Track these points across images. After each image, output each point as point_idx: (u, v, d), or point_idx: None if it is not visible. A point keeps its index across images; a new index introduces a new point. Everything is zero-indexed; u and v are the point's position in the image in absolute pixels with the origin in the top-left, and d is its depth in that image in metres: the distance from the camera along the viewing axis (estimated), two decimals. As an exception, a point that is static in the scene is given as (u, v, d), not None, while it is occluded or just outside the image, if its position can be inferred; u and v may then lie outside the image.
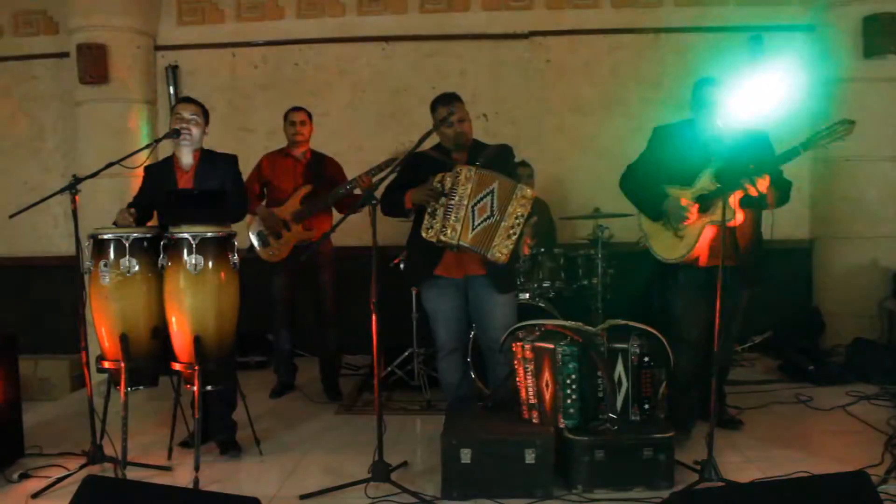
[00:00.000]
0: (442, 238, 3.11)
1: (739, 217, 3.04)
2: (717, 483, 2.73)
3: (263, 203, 4.26)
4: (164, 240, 2.98)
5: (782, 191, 3.13)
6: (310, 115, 4.31)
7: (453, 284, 3.30)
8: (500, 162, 3.29)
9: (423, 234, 3.16)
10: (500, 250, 3.09)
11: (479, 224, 3.10)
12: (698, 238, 3.10)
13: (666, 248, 3.24)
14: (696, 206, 3.11)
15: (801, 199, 5.17)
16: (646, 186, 3.26)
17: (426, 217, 3.17)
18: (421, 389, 4.24)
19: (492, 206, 3.10)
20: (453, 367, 3.40)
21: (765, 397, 3.96)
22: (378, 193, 2.94)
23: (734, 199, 2.97)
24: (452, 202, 3.11)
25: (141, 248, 3.02)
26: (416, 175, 3.23)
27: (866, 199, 4.88)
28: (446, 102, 3.26)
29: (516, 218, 3.09)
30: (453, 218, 3.10)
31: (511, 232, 3.09)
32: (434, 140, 3.28)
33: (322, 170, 4.28)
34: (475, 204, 3.11)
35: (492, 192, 3.11)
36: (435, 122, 3.25)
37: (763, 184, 2.91)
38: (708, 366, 3.00)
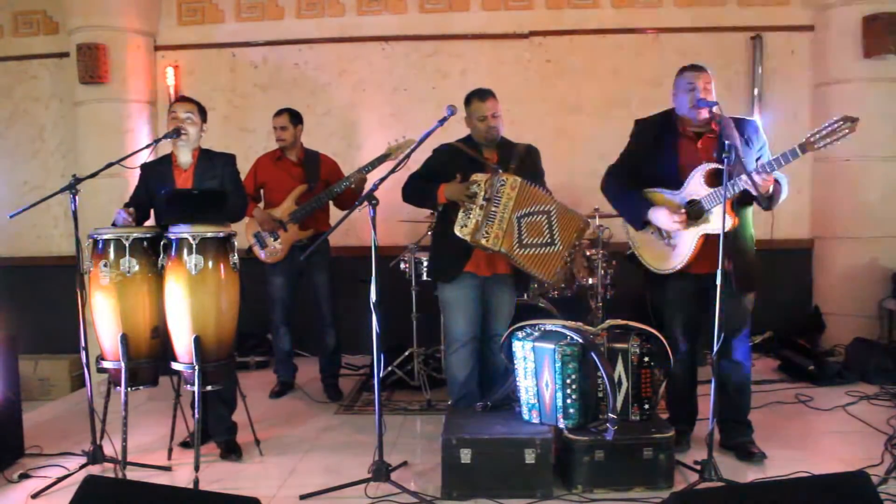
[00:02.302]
0: (482, 242, 3.13)
1: (735, 221, 2.90)
2: (717, 483, 2.72)
3: (260, 205, 4.27)
4: (164, 240, 2.98)
5: (780, 188, 2.96)
6: (294, 117, 4.26)
7: (477, 279, 3.34)
8: (531, 164, 3.36)
9: (458, 232, 3.16)
10: (559, 277, 3.23)
11: (531, 244, 3.15)
12: (693, 248, 2.98)
13: (657, 258, 3.11)
14: (685, 214, 2.96)
15: (801, 199, 5.17)
16: (629, 192, 3.13)
17: (461, 214, 3.18)
18: (421, 389, 4.24)
19: (550, 231, 3.16)
20: (463, 362, 3.39)
21: (765, 397, 3.95)
22: (375, 190, 2.91)
23: (728, 202, 2.81)
24: (495, 208, 3.12)
25: (141, 248, 3.01)
26: (445, 168, 3.27)
27: (866, 199, 4.88)
28: (482, 98, 3.29)
29: (573, 246, 3.22)
30: (496, 225, 3.12)
31: (567, 259, 3.21)
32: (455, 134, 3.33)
33: (317, 168, 4.28)
34: (521, 217, 3.14)
35: (546, 213, 3.16)
36: (469, 116, 3.31)
37: (767, 185, 2.81)
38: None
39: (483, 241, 3.12)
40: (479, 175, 3.18)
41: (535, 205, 3.16)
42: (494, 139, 3.34)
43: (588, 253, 4.31)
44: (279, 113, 4.27)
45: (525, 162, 3.33)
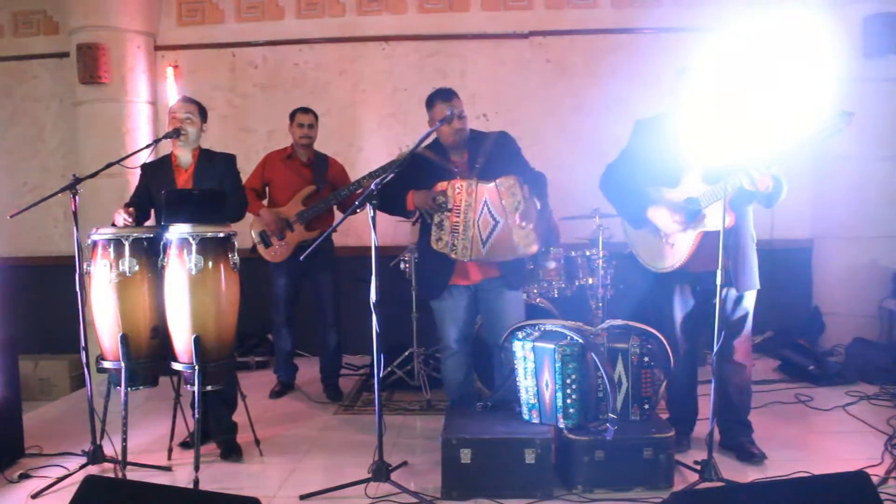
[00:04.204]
0: (453, 256, 3.12)
1: (732, 218, 2.87)
2: (717, 483, 2.72)
3: (265, 202, 4.27)
4: (164, 240, 2.98)
5: (779, 185, 2.91)
6: (316, 117, 4.30)
7: (466, 288, 3.29)
8: (501, 151, 3.24)
9: (434, 246, 3.15)
10: (526, 244, 3.08)
11: (489, 236, 3.08)
12: (691, 246, 2.97)
13: (654, 256, 3.10)
14: (682, 220, 2.96)
15: (801, 199, 5.16)
16: (628, 190, 3.12)
17: (434, 228, 3.15)
18: (421, 389, 4.24)
19: (492, 215, 3.08)
20: (458, 366, 3.39)
21: (765, 397, 3.96)
22: (375, 191, 2.90)
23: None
24: (458, 219, 3.10)
25: (141, 248, 3.01)
26: (414, 177, 3.20)
27: (866, 199, 4.88)
28: (445, 99, 3.20)
29: (516, 208, 3.06)
30: (462, 236, 3.10)
31: (522, 224, 3.06)
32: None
33: (325, 170, 4.28)
34: (479, 219, 3.10)
35: (485, 202, 3.09)
36: (432, 119, 3.22)
37: (766, 180, 2.78)
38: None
39: (453, 255, 3.11)
40: (443, 183, 3.14)
41: (481, 201, 3.08)
42: (462, 140, 3.25)
43: (588, 253, 4.31)
44: (306, 111, 4.25)
45: (495, 153, 3.23)
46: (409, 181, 3.20)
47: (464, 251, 3.10)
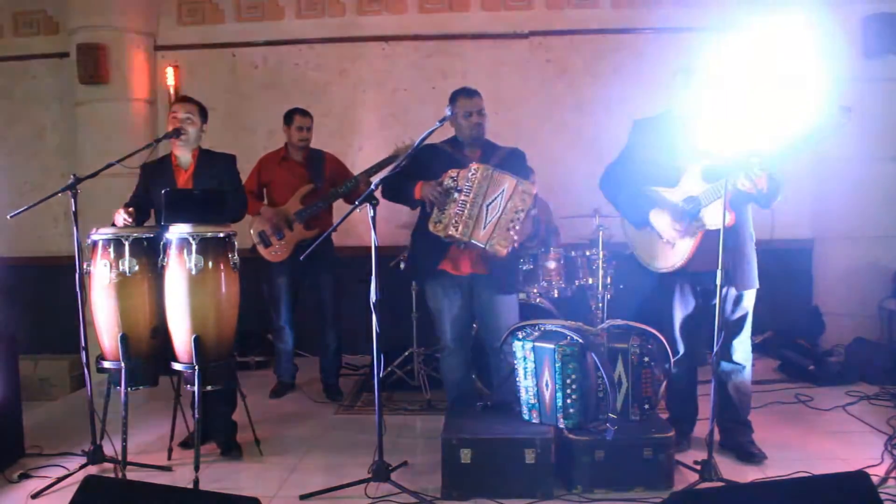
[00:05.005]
0: (452, 234, 3.13)
1: (732, 217, 2.85)
2: (717, 483, 2.72)
3: (264, 203, 4.26)
4: (164, 240, 2.98)
5: (776, 185, 2.88)
6: (312, 118, 4.30)
7: (458, 283, 3.31)
8: (513, 165, 3.29)
9: (431, 228, 3.17)
10: (500, 244, 3.10)
11: (488, 222, 3.12)
12: (692, 245, 2.96)
13: (655, 256, 3.09)
14: (684, 228, 2.95)
15: (801, 199, 5.16)
16: (629, 191, 3.11)
17: (435, 210, 3.18)
18: (421, 389, 4.25)
19: (500, 204, 3.12)
20: (456, 365, 3.41)
21: (765, 397, 3.95)
22: (375, 190, 2.89)
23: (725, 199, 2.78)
24: (465, 198, 3.12)
25: (141, 248, 3.01)
26: (427, 167, 3.23)
27: (866, 200, 4.88)
28: (469, 95, 3.28)
29: (516, 212, 3.10)
30: (466, 215, 3.12)
31: (510, 225, 3.09)
32: (439, 135, 3.28)
33: (321, 167, 4.28)
34: (489, 203, 3.12)
35: (503, 191, 3.12)
36: (454, 113, 3.24)
37: (762, 181, 2.77)
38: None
39: (453, 233, 3.12)
40: (454, 170, 3.17)
41: (499, 188, 3.12)
42: (479, 136, 3.31)
43: (588, 253, 4.31)
44: (304, 114, 4.26)
45: (507, 162, 3.27)
46: (420, 172, 3.23)
47: (464, 230, 3.11)
